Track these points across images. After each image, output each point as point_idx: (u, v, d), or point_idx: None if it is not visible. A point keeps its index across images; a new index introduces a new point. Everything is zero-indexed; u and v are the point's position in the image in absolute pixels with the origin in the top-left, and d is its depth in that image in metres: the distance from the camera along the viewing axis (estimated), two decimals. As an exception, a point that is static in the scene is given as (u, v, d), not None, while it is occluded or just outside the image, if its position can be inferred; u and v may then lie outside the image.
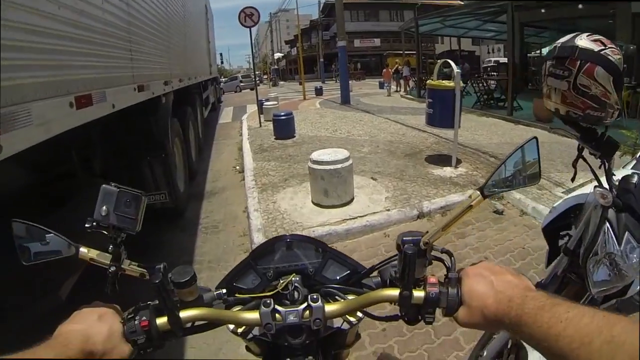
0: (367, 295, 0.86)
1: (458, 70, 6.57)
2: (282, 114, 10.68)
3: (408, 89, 22.98)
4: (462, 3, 18.25)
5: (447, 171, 6.81)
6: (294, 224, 4.98)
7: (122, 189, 0.84)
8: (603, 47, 1.52)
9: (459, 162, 7.10)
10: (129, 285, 0.89)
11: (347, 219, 4.97)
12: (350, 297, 0.92)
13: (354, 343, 1.09)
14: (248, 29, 12.41)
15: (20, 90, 1.66)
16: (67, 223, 0.91)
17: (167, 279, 0.81)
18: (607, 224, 1.65)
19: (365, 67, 49.38)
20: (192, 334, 0.88)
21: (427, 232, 0.83)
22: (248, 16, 12.20)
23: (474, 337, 2.95)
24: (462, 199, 5.32)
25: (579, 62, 1.52)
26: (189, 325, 0.84)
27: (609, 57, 1.50)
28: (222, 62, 39.26)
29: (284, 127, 10.55)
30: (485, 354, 2.18)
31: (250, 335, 0.95)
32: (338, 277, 0.99)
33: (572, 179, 2.00)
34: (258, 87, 14.87)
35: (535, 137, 0.85)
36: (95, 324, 0.76)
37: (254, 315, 0.85)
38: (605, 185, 1.67)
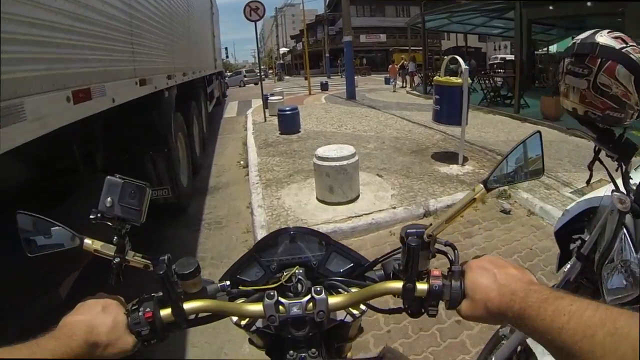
0: (371, 288, 0.86)
1: (466, 67, 6.46)
2: (287, 108, 10.62)
3: (414, 85, 22.86)
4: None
5: (454, 169, 6.73)
6: (298, 221, 4.93)
7: (126, 180, 0.84)
8: (624, 45, 1.45)
9: (465, 159, 7.03)
10: (132, 277, 0.88)
11: (353, 217, 4.92)
12: (354, 289, 0.92)
13: (356, 336, 1.08)
14: (253, 24, 12.32)
15: (12, 84, 1.60)
16: (67, 219, 0.88)
17: (171, 270, 0.81)
18: (624, 230, 1.58)
19: (371, 62, 49.17)
20: (196, 326, 0.88)
21: (431, 224, 0.82)
22: (253, 10, 12.12)
23: (481, 340, 2.91)
24: (471, 198, 5.26)
25: (599, 60, 1.45)
26: (192, 316, 0.84)
27: (631, 55, 1.42)
28: (227, 57, 39.30)
29: (289, 122, 10.50)
30: (493, 359, 2.12)
31: (254, 328, 0.95)
32: (341, 270, 0.99)
33: (588, 182, 1.94)
34: (263, 82, 14.80)
35: (539, 132, 0.82)
36: (100, 315, 0.76)
37: (257, 307, 0.85)
38: (623, 189, 1.60)
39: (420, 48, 21.58)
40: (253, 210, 5.40)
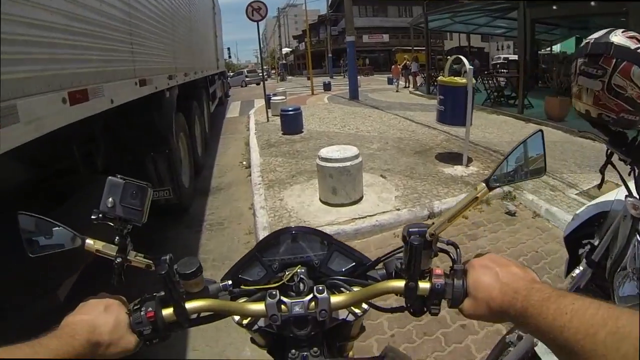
0: (373, 287, 0.86)
1: (470, 67, 6.41)
2: (290, 109, 10.58)
3: (417, 85, 22.82)
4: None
5: (458, 170, 6.69)
6: (301, 223, 4.88)
7: (128, 181, 0.84)
8: (639, 45, 1.40)
9: (470, 160, 6.98)
10: (133, 277, 0.89)
11: (356, 218, 4.87)
12: (356, 289, 0.92)
13: (358, 335, 1.08)
14: (256, 24, 12.29)
15: (4, 86, 1.55)
16: (67, 219, 0.87)
17: (173, 270, 0.82)
18: (638, 237, 1.53)
19: (374, 62, 49.13)
20: (198, 325, 0.88)
21: (433, 223, 0.82)
22: (255, 10, 12.09)
23: (486, 345, 2.87)
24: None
25: (614, 61, 1.39)
26: (194, 316, 0.85)
27: None
28: (229, 57, 39.40)
29: (291, 122, 10.47)
30: (500, 367, 2.07)
31: (256, 327, 0.95)
32: (343, 269, 0.99)
33: (599, 187, 1.88)
34: (266, 82, 14.77)
35: (541, 130, 0.82)
36: (102, 314, 0.77)
37: (259, 307, 0.85)
38: (636, 194, 1.55)
39: (423, 48, 21.53)
40: (255, 212, 5.36)
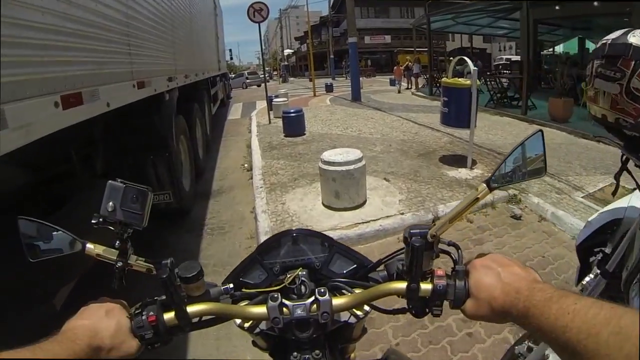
0: (375, 289, 0.86)
1: (475, 68, 6.32)
2: (292, 110, 10.53)
3: (419, 86, 22.77)
4: (474, 0, 18.00)
5: (463, 172, 6.62)
6: (303, 227, 4.80)
7: (128, 185, 0.84)
8: None
9: (474, 163, 6.91)
10: (135, 281, 0.89)
11: (360, 223, 4.80)
12: (357, 290, 0.92)
13: (360, 337, 1.06)
14: (257, 25, 12.25)
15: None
16: (66, 224, 0.86)
17: (174, 274, 0.81)
18: None
19: (376, 64, 49.12)
20: (200, 329, 0.89)
21: (434, 224, 0.81)
22: (257, 11, 12.04)
23: (493, 355, 2.82)
24: (481, 203, 5.18)
25: (633, 63, 1.32)
26: (196, 320, 0.85)
27: None
28: (231, 58, 39.38)
29: (293, 124, 10.41)
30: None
31: (257, 330, 0.94)
32: (345, 271, 0.99)
33: (613, 193, 1.82)
34: (267, 84, 14.73)
35: (541, 130, 0.81)
36: (103, 319, 0.76)
37: (261, 310, 0.85)
38: None
39: (425, 49, 21.52)
40: (257, 216, 5.29)
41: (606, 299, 1.54)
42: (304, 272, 0.95)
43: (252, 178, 7.13)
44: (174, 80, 5.27)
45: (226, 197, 6.68)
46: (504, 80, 15.05)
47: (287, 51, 62.07)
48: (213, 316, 0.87)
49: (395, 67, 25.24)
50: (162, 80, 4.68)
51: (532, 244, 4.42)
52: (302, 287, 0.92)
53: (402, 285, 0.81)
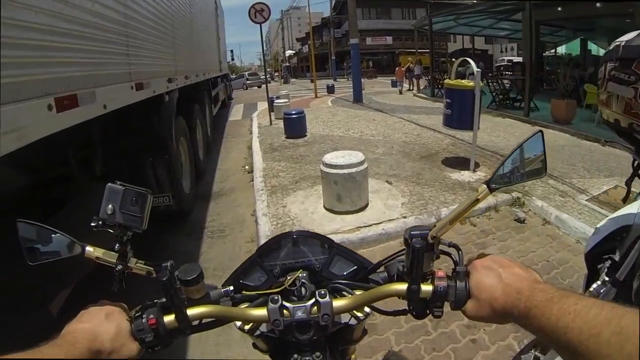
0: (375, 290, 0.86)
1: (478, 70, 6.26)
2: (293, 112, 10.50)
3: (420, 88, 22.73)
4: (476, 1, 17.95)
5: (466, 175, 6.56)
6: (304, 231, 4.74)
7: (127, 187, 0.84)
8: None
9: (477, 165, 6.86)
10: (135, 284, 0.89)
11: (362, 227, 4.74)
12: (358, 292, 0.92)
13: (361, 338, 1.07)
14: (259, 26, 12.21)
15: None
16: (65, 227, 0.86)
17: (174, 276, 0.82)
18: None
19: (377, 65, 49.10)
20: (200, 332, 0.89)
21: (435, 225, 0.82)
22: (258, 12, 12.00)
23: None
24: (484, 206, 5.13)
25: None
26: (196, 322, 0.85)
27: None
28: (233, 59, 39.41)
29: (295, 126, 10.37)
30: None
31: (258, 332, 0.95)
32: (345, 273, 0.99)
33: (624, 200, 1.76)
34: (269, 85, 14.70)
35: (541, 131, 0.81)
36: (103, 322, 0.76)
37: (261, 312, 0.85)
38: None
39: (427, 50, 21.48)
40: (257, 219, 5.24)
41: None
42: (304, 274, 0.95)
43: (253, 180, 7.08)
44: (173, 82, 5.22)
45: (227, 199, 6.63)
46: (506, 81, 15.00)
47: (288, 52, 62.20)
48: (213, 319, 0.87)
49: (396, 69, 25.23)
50: (162, 81, 4.63)
51: (537, 247, 4.37)
52: (303, 289, 0.91)
53: (402, 286, 0.81)
